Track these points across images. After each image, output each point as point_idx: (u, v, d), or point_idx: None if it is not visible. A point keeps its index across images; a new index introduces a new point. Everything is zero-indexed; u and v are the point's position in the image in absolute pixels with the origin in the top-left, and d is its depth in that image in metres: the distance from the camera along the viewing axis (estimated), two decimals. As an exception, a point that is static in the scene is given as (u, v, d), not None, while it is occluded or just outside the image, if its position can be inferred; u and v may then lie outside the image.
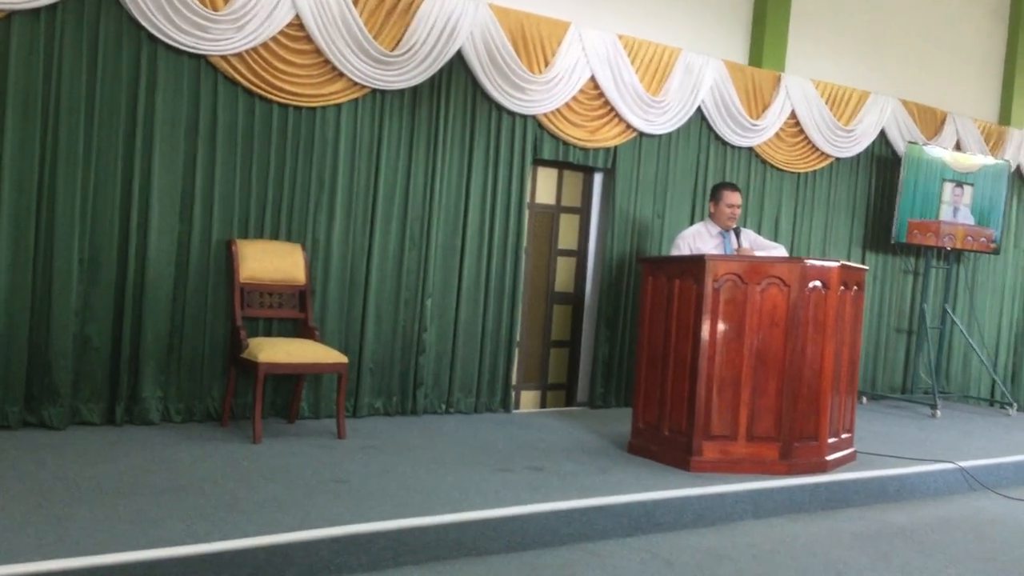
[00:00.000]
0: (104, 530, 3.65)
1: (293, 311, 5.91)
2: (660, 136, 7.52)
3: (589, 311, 7.57)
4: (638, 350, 5.90)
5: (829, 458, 5.59)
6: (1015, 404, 9.14)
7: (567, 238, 7.58)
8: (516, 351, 7.08)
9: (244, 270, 5.69)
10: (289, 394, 5.98)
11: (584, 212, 7.61)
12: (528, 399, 7.50)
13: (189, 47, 5.50)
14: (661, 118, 7.41)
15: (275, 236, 5.97)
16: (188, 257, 5.68)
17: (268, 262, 5.77)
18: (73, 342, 5.33)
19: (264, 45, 5.72)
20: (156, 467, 4.65)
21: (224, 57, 5.63)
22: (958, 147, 9.29)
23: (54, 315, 5.26)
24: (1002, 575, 4.42)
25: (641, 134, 7.41)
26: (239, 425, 5.69)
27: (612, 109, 7.18)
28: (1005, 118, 10.05)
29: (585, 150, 7.20)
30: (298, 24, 5.82)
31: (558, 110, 6.93)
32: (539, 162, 7.20)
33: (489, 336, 6.82)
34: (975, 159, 9.04)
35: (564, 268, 7.59)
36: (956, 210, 8.91)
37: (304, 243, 6.02)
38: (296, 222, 6.04)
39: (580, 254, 7.61)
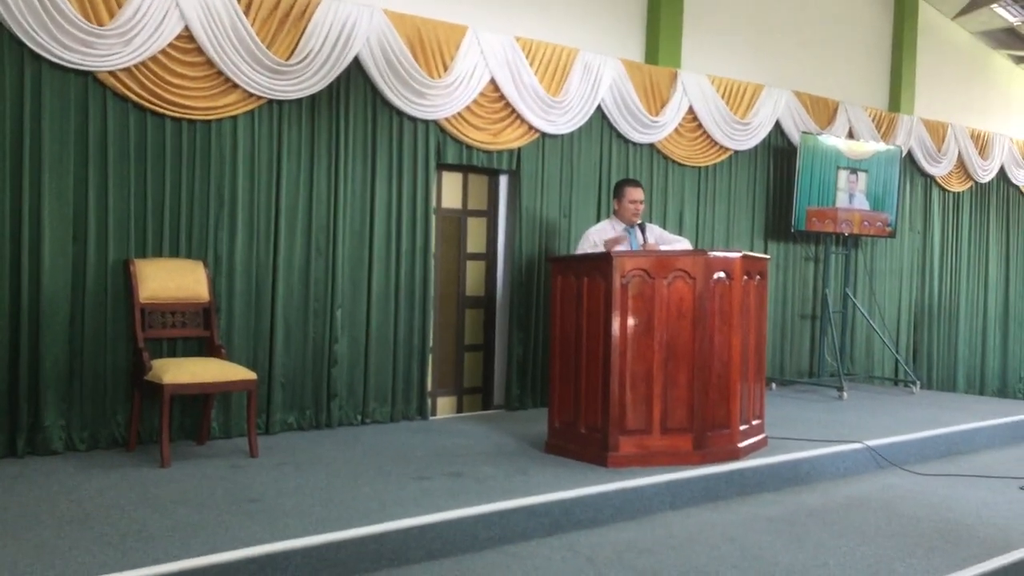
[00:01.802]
0: (5, 565, 3.51)
1: (198, 329, 5.78)
2: (562, 136, 7.57)
3: (501, 313, 7.57)
4: (551, 349, 5.92)
5: (741, 445, 5.70)
6: (918, 382, 9.44)
7: (475, 241, 7.58)
8: (430, 357, 7.04)
9: (144, 290, 5.54)
10: (198, 415, 5.84)
11: (491, 215, 7.61)
12: (444, 405, 7.46)
13: (75, 64, 5.32)
14: (562, 118, 7.46)
15: (175, 254, 5.82)
16: (84, 279, 5.49)
17: (169, 280, 5.63)
18: (-34, 374, 5.13)
19: (153, 59, 5.57)
20: (60, 497, 4.49)
21: (112, 73, 5.46)
22: (851, 135, 9.57)
23: (-56, 347, 5.06)
24: (912, 549, 4.55)
25: (543, 135, 7.44)
26: (147, 450, 5.53)
27: (513, 111, 7.20)
28: (895, 105, 10.38)
29: (489, 153, 7.20)
30: (188, 36, 5.69)
31: (460, 114, 6.92)
32: (443, 167, 7.17)
33: (402, 343, 6.77)
34: (868, 146, 9.32)
35: (474, 271, 7.58)
36: (852, 196, 9.17)
37: (206, 259, 5.89)
38: (196, 238, 5.90)
39: (489, 257, 7.61)
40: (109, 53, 5.39)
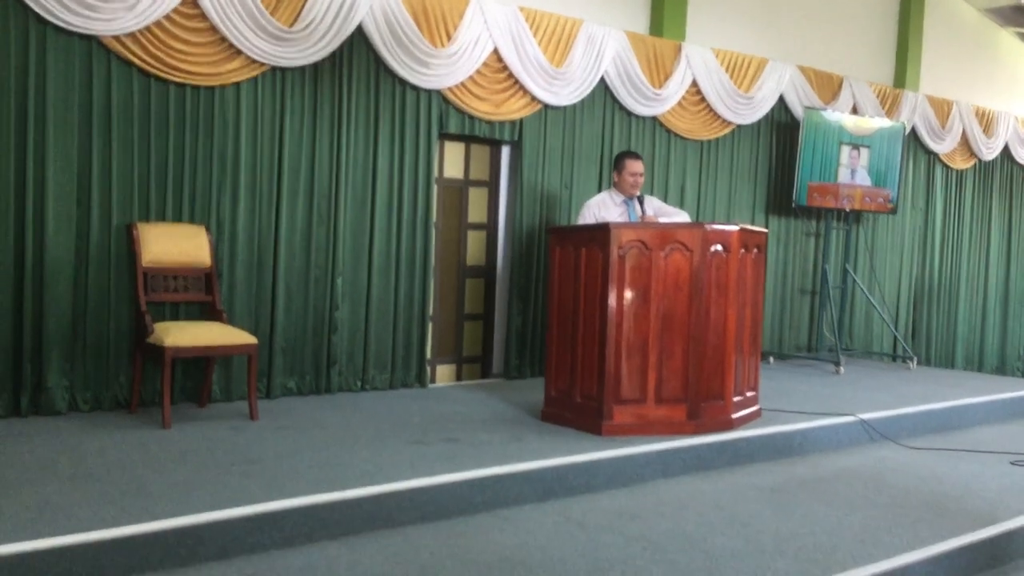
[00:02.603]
0: (8, 519, 3.59)
1: (199, 294, 5.84)
2: (565, 107, 7.59)
3: (501, 283, 7.63)
4: (548, 319, 5.98)
5: (735, 416, 5.76)
6: (915, 358, 9.49)
7: (477, 212, 7.62)
8: (430, 326, 7.11)
9: (146, 254, 5.60)
10: (199, 378, 5.92)
11: (492, 185, 7.65)
12: (444, 373, 7.54)
13: (79, 28, 5.35)
14: (565, 89, 7.48)
15: (178, 219, 5.88)
16: (88, 243, 5.56)
17: (171, 245, 5.69)
18: (-29, 334, 5.21)
19: (157, 24, 5.60)
20: (63, 456, 4.58)
21: (116, 37, 5.50)
22: (855, 111, 9.57)
23: (-51, 307, 5.13)
24: (900, 519, 4.62)
25: (546, 106, 7.46)
26: (149, 411, 5.62)
27: (516, 82, 7.22)
28: (900, 81, 10.37)
29: (491, 123, 7.23)
30: (192, 1, 5.71)
31: (463, 84, 6.94)
32: (446, 136, 7.21)
33: (402, 311, 6.83)
34: (871, 122, 9.32)
35: (475, 242, 7.63)
36: (854, 172, 9.18)
37: (208, 225, 5.94)
38: (199, 204, 5.95)
39: (490, 227, 7.66)
40: (113, 17, 5.42)
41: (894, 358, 10.06)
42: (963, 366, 11.26)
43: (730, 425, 5.70)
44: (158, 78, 5.71)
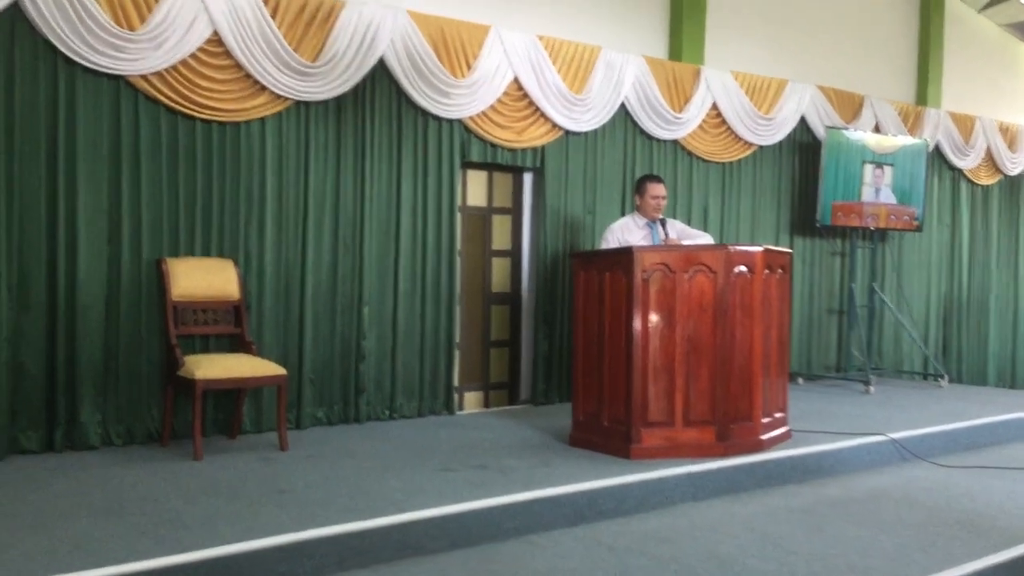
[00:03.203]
0: (44, 554, 3.65)
1: (229, 326, 5.91)
2: (586, 133, 7.64)
3: (527, 309, 7.66)
4: (574, 343, 6.00)
5: (764, 437, 5.74)
6: (946, 376, 9.42)
7: (501, 238, 7.67)
8: (456, 353, 7.15)
9: (176, 288, 5.68)
10: (229, 410, 5.98)
11: (516, 212, 7.70)
12: (471, 400, 7.56)
13: (107, 68, 5.47)
14: (586, 115, 7.53)
15: (206, 252, 5.96)
16: (119, 278, 5.65)
17: (200, 279, 5.77)
18: (7, 370, 5.28)
19: (183, 62, 5.72)
20: (96, 490, 4.63)
21: (143, 76, 5.61)
22: (877, 129, 9.55)
23: (-16, 344, 5.22)
24: (933, 539, 4.58)
25: (567, 132, 7.51)
26: (180, 444, 5.67)
27: (537, 109, 7.28)
28: (922, 98, 10.35)
29: (513, 151, 7.28)
30: (216, 40, 5.83)
31: (484, 112, 7.01)
32: (468, 165, 7.27)
33: (428, 339, 6.88)
34: (894, 140, 9.31)
35: (499, 268, 7.67)
36: (878, 191, 9.16)
37: (236, 258, 6.02)
38: (227, 237, 6.04)
39: (514, 254, 7.70)
40: (140, 57, 5.54)
41: (925, 376, 9.98)
42: (995, 383, 11.14)
43: (760, 446, 5.68)
44: (185, 115, 5.81)
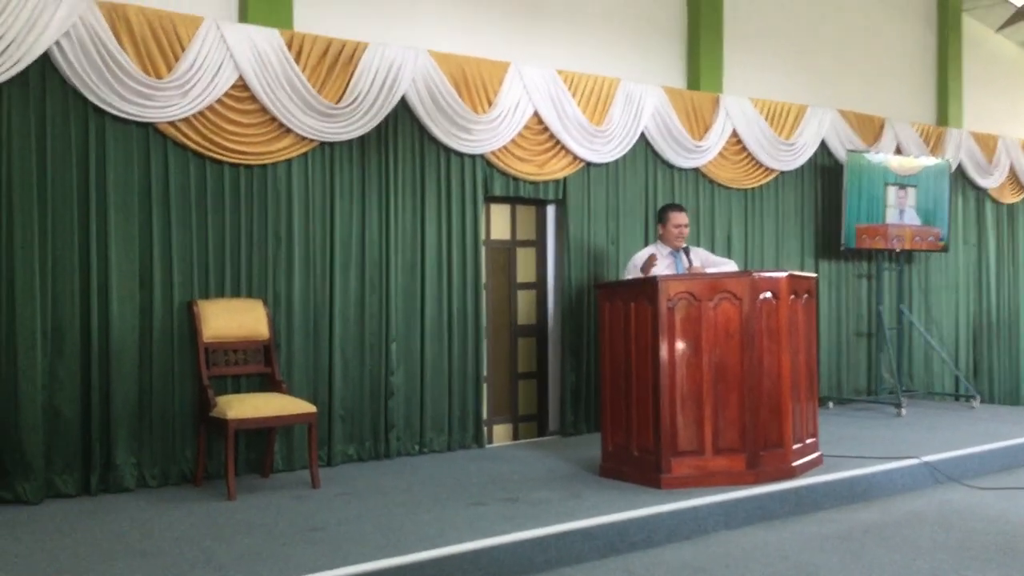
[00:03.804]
0: (84, 597, 3.70)
1: (259, 366, 5.98)
2: (607, 164, 7.69)
3: (553, 341, 7.68)
4: (601, 374, 6.01)
5: (795, 464, 5.72)
6: (978, 396, 9.33)
7: (525, 271, 7.71)
8: (484, 386, 7.18)
9: (207, 330, 5.76)
10: (262, 449, 6.03)
11: (540, 244, 7.75)
12: (500, 433, 7.58)
13: (136, 116, 5.60)
14: (606, 147, 7.59)
15: (236, 294, 6.04)
16: (151, 322, 5.74)
17: (231, 320, 5.85)
18: (43, 414, 5.37)
19: (210, 108, 5.83)
20: (132, 532, 4.69)
21: (171, 123, 5.73)
22: (898, 151, 9.55)
23: (21, 389, 5.30)
24: (969, 562, 4.54)
25: (589, 164, 7.57)
26: (214, 484, 5.73)
27: (558, 142, 7.34)
28: (943, 119, 10.34)
29: (535, 184, 7.35)
30: (242, 85, 5.94)
31: (506, 147, 7.08)
32: (491, 199, 7.33)
33: (456, 373, 6.91)
34: (916, 161, 9.29)
35: (525, 301, 7.71)
36: (902, 212, 9.14)
37: (265, 298, 6.10)
38: (256, 278, 6.12)
39: (539, 286, 7.74)
40: (168, 104, 5.66)
41: (956, 397, 9.89)
42: (1029, 402, 11.03)
43: (791, 473, 5.66)
44: (213, 159, 5.92)
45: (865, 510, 5.61)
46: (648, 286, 5.60)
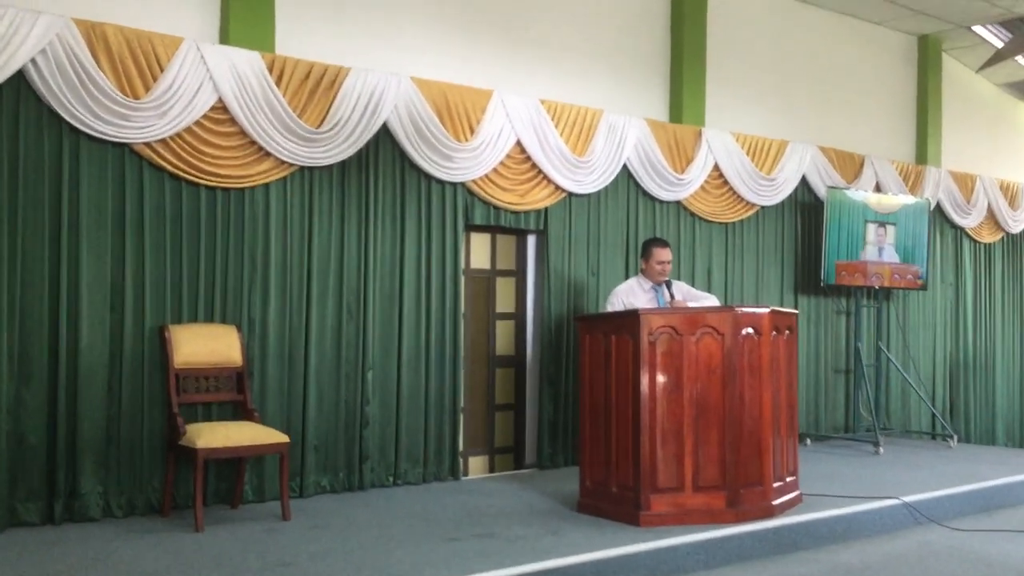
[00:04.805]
0: (42, 634, 3.55)
1: (231, 393, 5.85)
2: (589, 195, 7.65)
3: (532, 373, 7.59)
4: (580, 408, 5.93)
5: (775, 502, 5.64)
6: (955, 436, 9.30)
7: (505, 301, 7.63)
8: (461, 417, 7.07)
9: (178, 355, 5.63)
10: (232, 479, 5.88)
11: (520, 274, 7.68)
12: (476, 465, 7.47)
13: (112, 136, 5.49)
14: (588, 178, 7.55)
15: (210, 319, 5.92)
16: (121, 346, 5.60)
17: (203, 345, 5.72)
18: (7, 440, 5.21)
19: (188, 130, 5.73)
20: (97, 564, 4.54)
21: (148, 144, 5.62)
22: (878, 188, 9.58)
23: (-16, 414, 5.15)
24: (950, 607, 4.48)
25: (570, 194, 7.52)
26: (181, 514, 5.57)
27: (540, 172, 7.29)
28: (922, 157, 10.39)
29: (516, 213, 7.28)
30: (221, 107, 5.85)
31: (487, 176, 7.02)
32: (472, 227, 7.26)
33: (433, 404, 6.80)
34: (895, 199, 9.32)
35: (504, 331, 7.62)
36: (881, 249, 9.15)
37: (239, 324, 5.98)
38: (231, 303, 6.00)
39: (519, 316, 7.66)
40: (145, 125, 5.55)
41: (933, 436, 9.87)
42: (1004, 442, 11.03)
43: (771, 512, 5.58)
44: (189, 182, 5.81)
45: (845, 551, 5.54)
46: (630, 319, 5.53)
